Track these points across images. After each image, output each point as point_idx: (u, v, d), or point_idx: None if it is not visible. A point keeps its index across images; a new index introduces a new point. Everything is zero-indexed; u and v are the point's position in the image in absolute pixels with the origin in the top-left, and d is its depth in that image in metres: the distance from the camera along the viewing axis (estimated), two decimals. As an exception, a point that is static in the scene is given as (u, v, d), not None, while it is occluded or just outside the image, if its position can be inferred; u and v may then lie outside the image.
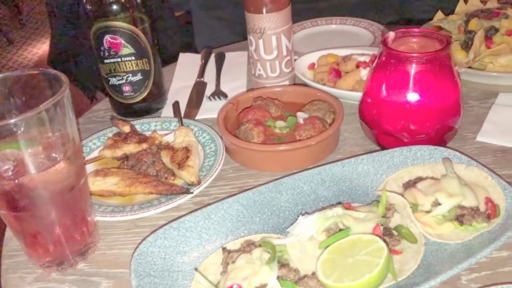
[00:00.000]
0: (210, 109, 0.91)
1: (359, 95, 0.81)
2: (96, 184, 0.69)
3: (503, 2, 1.06)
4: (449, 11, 1.27)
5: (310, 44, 1.14)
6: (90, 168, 0.75)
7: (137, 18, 0.84)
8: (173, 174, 0.73)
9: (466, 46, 0.93)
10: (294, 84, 0.92)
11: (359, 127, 0.80)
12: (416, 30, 0.73)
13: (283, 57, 0.88)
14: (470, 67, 0.87)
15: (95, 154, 0.79)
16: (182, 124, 0.82)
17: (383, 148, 0.75)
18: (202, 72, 1.04)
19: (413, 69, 0.68)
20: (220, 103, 0.91)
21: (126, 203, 0.69)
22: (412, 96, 0.68)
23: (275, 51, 0.87)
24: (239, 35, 1.27)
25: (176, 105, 0.89)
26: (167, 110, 0.92)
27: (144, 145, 0.77)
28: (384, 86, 0.70)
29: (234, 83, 1.00)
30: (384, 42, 0.70)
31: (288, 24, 0.86)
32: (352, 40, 1.13)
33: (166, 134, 0.83)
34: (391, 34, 0.73)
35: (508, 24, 0.93)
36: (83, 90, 1.62)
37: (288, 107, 0.83)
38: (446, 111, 0.70)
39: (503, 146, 0.74)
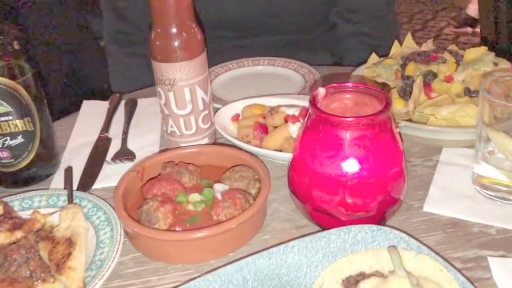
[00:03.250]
0: (112, 174, 0.76)
1: (288, 156, 0.69)
2: None
3: (437, 45, 1.00)
4: (383, 51, 1.20)
5: (235, 89, 1.01)
6: None
7: (15, 68, 0.68)
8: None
9: (404, 93, 0.84)
10: (214, 144, 0.78)
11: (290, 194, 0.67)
12: (350, 85, 0.62)
13: (199, 111, 0.74)
14: (410, 120, 0.78)
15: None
16: (71, 201, 0.66)
17: (316, 224, 0.63)
18: (107, 125, 0.89)
19: (348, 135, 0.56)
20: (124, 166, 0.76)
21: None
22: (348, 167, 0.57)
23: (189, 105, 0.73)
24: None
25: (68, 173, 0.73)
26: (61, 176, 0.75)
27: (19, 233, 0.60)
28: (315, 154, 0.58)
29: (145, 138, 0.85)
30: (313, 102, 0.59)
31: (203, 73, 0.73)
32: (281, 84, 1.02)
33: (54, 213, 0.66)
34: (321, 91, 0.61)
35: (447, 69, 0.85)
36: None
37: (206, 172, 0.69)
38: (389, 183, 0.58)
39: (453, 218, 0.63)
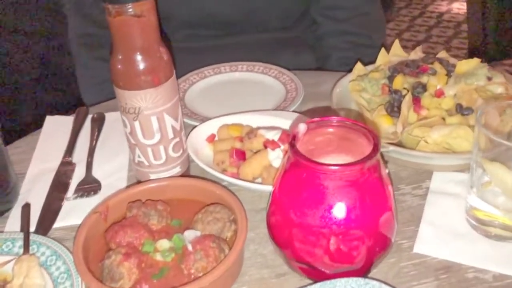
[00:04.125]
0: (75, 210, 0.69)
1: (267, 189, 0.63)
2: None
3: (428, 52, 0.93)
4: (369, 50, 1.14)
5: (212, 100, 0.94)
6: None
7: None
8: None
9: (392, 109, 0.78)
10: (185, 176, 0.72)
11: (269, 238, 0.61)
12: (334, 120, 0.56)
13: (169, 140, 0.67)
14: (398, 143, 0.72)
15: None
16: (27, 249, 0.59)
17: (297, 272, 0.57)
18: (71, 147, 0.81)
19: (332, 183, 0.50)
20: (88, 201, 0.69)
21: None
22: (333, 217, 0.51)
23: (158, 135, 0.66)
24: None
25: (25, 212, 0.66)
26: (20, 212, 0.69)
27: (-35, 293, 0.54)
28: (295, 202, 0.52)
29: (112, 161, 0.79)
30: (293, 144, 0.52)
31: (172, 99, 0.66)
32: (261, 92, 0.96)
33: (9, 261, 0.60)
34: (302, 128, 0.55)
35: (437, 82, 0.79)
36: None
37: (177, 209, 0.63)
38: (378, 232, 0.53)
39: (446, 261, 0.59)
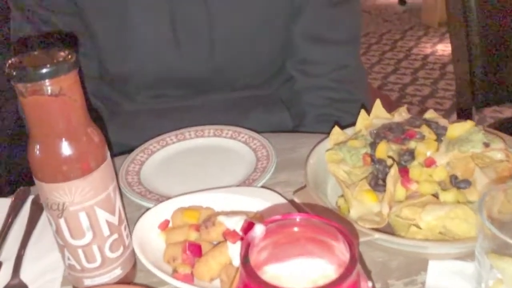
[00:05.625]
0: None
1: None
2: None
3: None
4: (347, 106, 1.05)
5: (172, 173, 0.83)
6: None
7: None
8: None
9: (376, 182, 0.67)
10: (126, 284, 0.59)
11: None
12: (298, 219, 0.44)
13: (104, 238, 0.55)
14: (385, 228, 0.61)
15: None
16: None
17: None
18: (1, 239, 0.69)
19: (297, 311, 0.38)
20: (8, 316, 0.56)
21: None
22: None
23: (89, 233, 0.54)
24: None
25: None
26: None
27: None
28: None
29: (46, 258, 0.66)
30: (245, 258, 0.40)
31: (106, 189, 0.54)
32: (229, 161, 0.84)
33: None
34: (258, 231, 0.43)
35: (427, 148, 0.68)
36: None
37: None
38: None
39: None
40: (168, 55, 0.98)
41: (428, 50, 4.05)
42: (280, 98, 1.10)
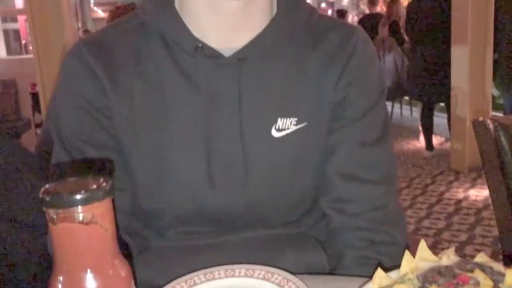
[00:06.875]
0: None
1: None
2: None
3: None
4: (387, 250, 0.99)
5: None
6: None
7: None
8: None
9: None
10: None
11: None
12: None
13: None
14: None
15: None
16: None
17: None
18: None
19: None
20: None
21: None
22: None
23: None
24: None
25: None
26: None
27: None
28: None
29: None
30: None
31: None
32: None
33: None
34: None
35: (483, 297, 0.61)
36: None
37: None
38: None
39: None
40: (203, 194, 0.97)
41: (461, 195, 3.99)
42: (314, 238, 1.05)
